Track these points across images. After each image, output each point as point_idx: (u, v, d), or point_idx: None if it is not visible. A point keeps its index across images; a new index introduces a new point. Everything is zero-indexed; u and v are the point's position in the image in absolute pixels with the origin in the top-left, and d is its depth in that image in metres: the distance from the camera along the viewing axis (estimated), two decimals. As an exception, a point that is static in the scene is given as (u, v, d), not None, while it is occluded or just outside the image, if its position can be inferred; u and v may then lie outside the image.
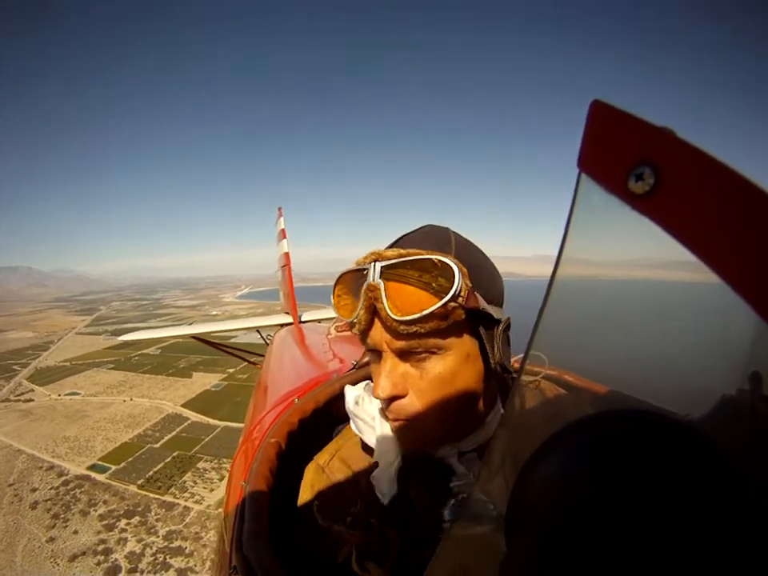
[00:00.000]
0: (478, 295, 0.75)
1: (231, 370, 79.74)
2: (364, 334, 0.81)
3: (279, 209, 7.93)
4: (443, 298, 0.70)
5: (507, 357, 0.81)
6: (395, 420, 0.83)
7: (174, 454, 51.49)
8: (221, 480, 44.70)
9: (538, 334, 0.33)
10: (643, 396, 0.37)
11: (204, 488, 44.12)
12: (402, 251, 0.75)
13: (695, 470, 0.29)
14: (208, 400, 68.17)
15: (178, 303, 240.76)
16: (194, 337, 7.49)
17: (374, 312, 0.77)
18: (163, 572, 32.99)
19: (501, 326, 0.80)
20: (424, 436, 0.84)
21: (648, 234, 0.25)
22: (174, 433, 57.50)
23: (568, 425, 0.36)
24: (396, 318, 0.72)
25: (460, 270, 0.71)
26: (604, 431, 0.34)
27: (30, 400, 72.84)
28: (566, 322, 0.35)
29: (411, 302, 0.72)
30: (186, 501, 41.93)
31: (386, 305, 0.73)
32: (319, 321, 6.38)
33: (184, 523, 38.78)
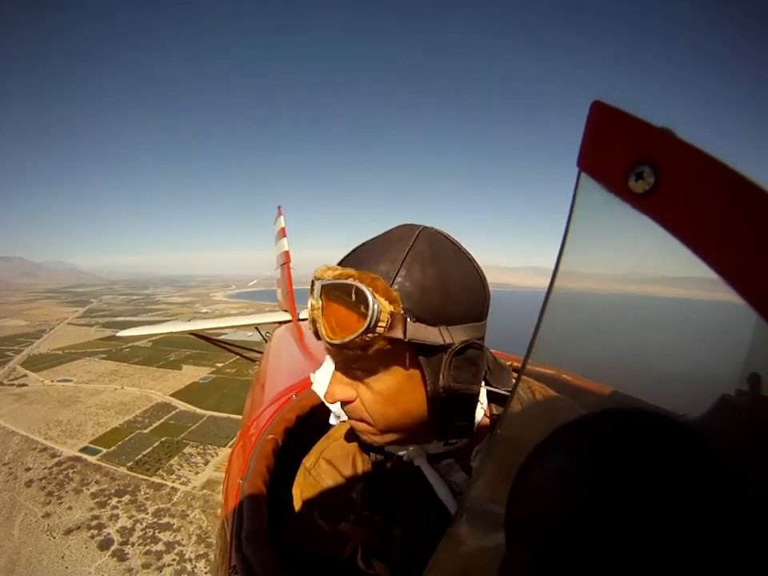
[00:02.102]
0: (410, 324, 0.69)
1: (220, 364, 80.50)
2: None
3: (279, 207, 7.60)
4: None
5: (464, 380, 0.76)
6: (349, 419, 0.83)
7: (162, 439, 52.49)
8: (206, 464, 46.50)
9: (538, 335, 0.32)
10: (642, 396, 0.37)
11: (190, 471, 45.42)
12: (338, 272, 0.72)
13: (693, 470, 0.28)
14: (196, 391, 68.94)
15: (168, 300, 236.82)
16: (193, 333, 7.27)
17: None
18: (153, 545, 34.45)
19: (450, 350, 0.73)
20: (374, 438, 0.82)
21: (648, 232, 0.25)
22: (162, 420, 58.39)
23: (566, 424, 0.35)
24: (327, 339, 0.71)
25: (376, 300, 0.66)
26: (602, 430, 0.34)
27: (24, 385, 72.59)
28: (567, 320, 0.34)
29: (345, 325, 0.69)
30: (173, 482, 43.16)
31: (321, 325, 0.72)
32: None
33: (172, 502, 40.06)
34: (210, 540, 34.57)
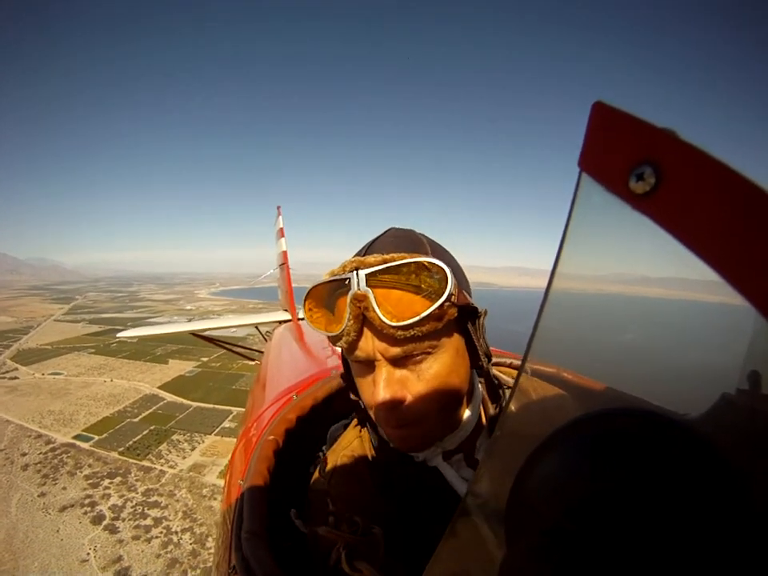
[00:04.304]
0: (464, 292, 0.73)
1: (205, 359, 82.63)
2: (352, 346, 0.74)
3: (278, 207, 7.33)
4: (435, 299, 0.66)
5: (489, 346, 0.80)
6: (395, 427, 0.76)
7: (151, 427, 54.42)
8: (192, 450, 48.78)
9: (537, 334, 0.31)
10: (643, 395, 0.36)
11: (177, 456, 47.65)
12: (386, 256, 0.70)
13: (694, 469, 0.28)
14: (182, 383, 70.89)
15: (153, 297, 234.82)
16: (193, 333, 6.98)
17: (362, 322, 0.71)
18: (142, 520, 36.78)
19: (482, 317, 0.76)
20: (423, 437, 0.79)
21: (648, 233, 0.25)
22: (151, 410, 60.23)
23: (568, 423, 0.35)
24: (392, 324, 0.67)
25: (449, 269, 0.67)
26: (603, 430, 0.33)
27: (15, 378, 73.22)
28: (567, 320, 0.34)
29: (403, 307, 0.67)
30: (161, 465, 45.38)
31: (378, 312, 0.67)
32: None
33: (160, 483, 42.39)
34: (196, 516, 37.40)
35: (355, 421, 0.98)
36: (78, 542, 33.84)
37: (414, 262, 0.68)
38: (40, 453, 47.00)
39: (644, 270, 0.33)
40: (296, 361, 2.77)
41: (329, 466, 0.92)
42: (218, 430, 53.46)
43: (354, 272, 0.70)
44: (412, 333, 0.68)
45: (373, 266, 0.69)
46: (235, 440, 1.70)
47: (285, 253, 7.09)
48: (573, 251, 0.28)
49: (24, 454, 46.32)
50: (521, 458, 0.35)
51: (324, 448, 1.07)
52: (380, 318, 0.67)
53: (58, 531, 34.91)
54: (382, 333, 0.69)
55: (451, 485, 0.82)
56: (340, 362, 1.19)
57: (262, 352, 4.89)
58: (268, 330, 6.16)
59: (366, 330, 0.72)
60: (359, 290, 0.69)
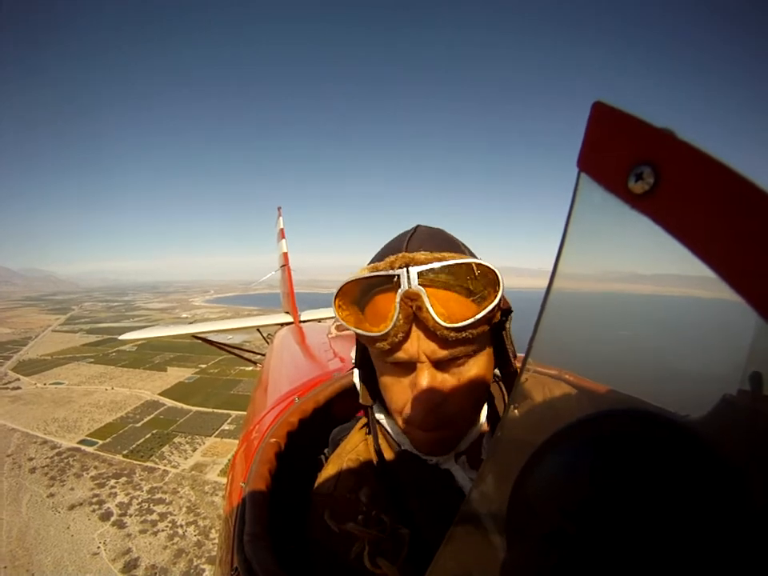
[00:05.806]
0: (505, 295, 0.70)
1: (203, 366, 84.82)
2: (396, 347, 0.70)
3: (278, 208, 7.29)
4: (484, 301, 0.65)
5: (515, 348, 0.79)
6: (432, 429, 0.75)
7: (154, 431, 56.54)
8: (194, 451, 51.03)
9: (538, 335, 0.31)
10: (644, 397, 0.35)
11: (180, 456, 49.87)
12: (437, 255, 0.68)
13: (696, 471, 0.28)
14: (182, 390, 72.81)
15: (148, 305, 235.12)
16: (195, 336, 6.96)
17: (412, 322, 0.68)
18: (148, 515, 39.10)
19: (509, 320, 0.76)
20: (453, 439, 0.78)
21: (647, 232, 0.25)
22: (152, 415, 62.27)
23: (568, 424, 0.34)
24: (447, 325, 0.64)
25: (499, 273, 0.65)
26: (603, 431, 0.33)
27: (18, 388, 74.77)
28: (567, 320, 0.33)
29: (453, 308, 0.65)
30: (164, 466, 47.65)
31: (432, 313, 0.64)
32: (319, 320, 5.96)
33: (164, 481, 44.71)
34: (199, 510, 39.77)
35: (360, 424, 0.97)
36: (88, 537, 35.89)
37: (465, 263, 0.66)
38: (46, 457, 48.97)
39: (644, 269, 0.32)
40: (297, 363, 2.73)
41: (334, 470, 0.90)
42: (217, 432, 55.70)
43: (405, 269, 0.66)
44: (464, 335, 0.66)
45: (424, 264, 0.66)
46: (235, 441, 1.81)
47: (286, 254, 7.03)
48: (573, 251, 0.28)
49: (31, 459, 48.30)
50: (521, 460, 0.35)
51: (326, 451, 1.08)
52: (434, 319, 0.64)
53: (68, 528, 36.98)
54: (433, 334, 0.67)
55: (461, 488, 0.81)
56: (342, 364, 1.33)
57: (263, 355, 4.91)
58: (269, 333, 6.23)
59: (414, 330, 0.69)
60: (411, 288, 0.65)
